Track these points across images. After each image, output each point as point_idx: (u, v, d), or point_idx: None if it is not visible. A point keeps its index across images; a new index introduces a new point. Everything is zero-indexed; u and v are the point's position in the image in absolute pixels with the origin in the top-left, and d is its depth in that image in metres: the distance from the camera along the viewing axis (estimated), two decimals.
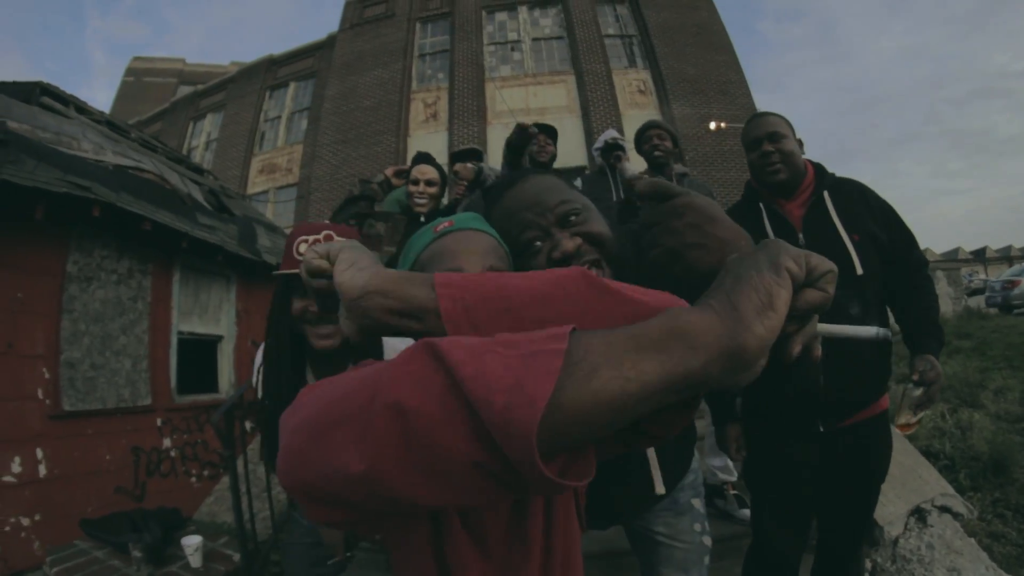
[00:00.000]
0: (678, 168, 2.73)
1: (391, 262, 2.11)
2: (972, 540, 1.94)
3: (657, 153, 2.65)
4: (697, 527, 1.22)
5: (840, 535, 1.57)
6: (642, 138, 2.75)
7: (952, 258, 35.25)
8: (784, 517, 1.52)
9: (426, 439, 0.35)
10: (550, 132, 2.96)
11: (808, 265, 0.41)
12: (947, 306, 11.66)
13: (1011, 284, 12.74)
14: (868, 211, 1.54)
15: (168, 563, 2.09)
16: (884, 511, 1.96)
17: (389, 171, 2.26)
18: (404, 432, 0.36)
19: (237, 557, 2.13)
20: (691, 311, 0.39)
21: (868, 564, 1.88)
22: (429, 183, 2.20)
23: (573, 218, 0.79)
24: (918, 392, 1.44)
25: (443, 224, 0.76)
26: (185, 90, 20.03)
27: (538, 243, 0.79)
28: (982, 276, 28.14)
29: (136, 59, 25.47)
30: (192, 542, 2.09)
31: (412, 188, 2.19)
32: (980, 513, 2.63)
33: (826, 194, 1.53)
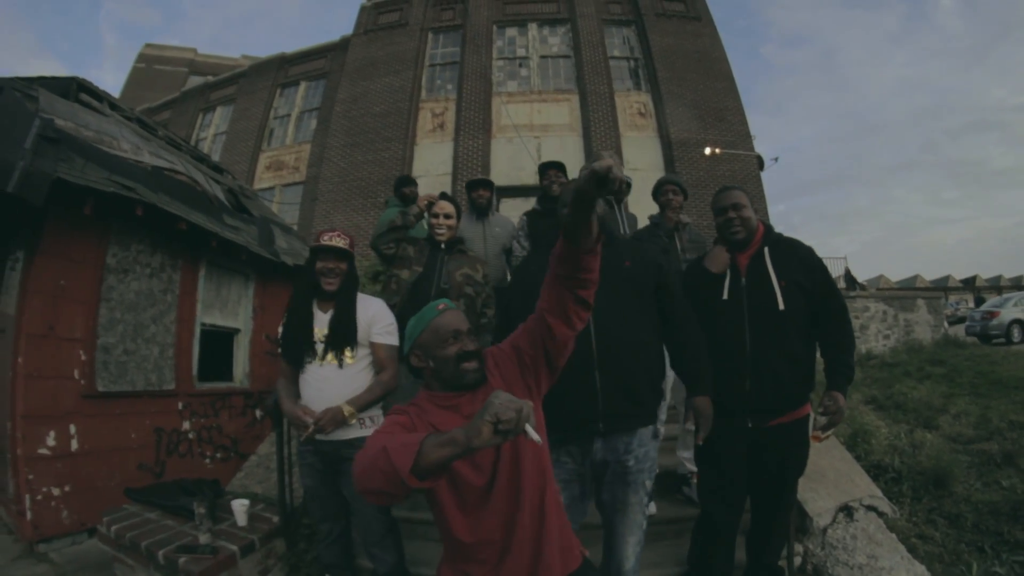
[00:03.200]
0: (683, 218, 3.22)
1: (418, 281, 2.48)
2: (892, 535, 2.30)
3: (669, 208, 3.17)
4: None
5: (765, 512, 2.04)
6: (659, 191, 3.25)
7: (942, 286, 35.81)
8: (720, 495, 1.96)
9: (390, 475, 0.99)
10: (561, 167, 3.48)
11: (495, 416, 0.93)
12: (926, 333, 12.10)
13: (990, 315, 13.17)
14: (798, 264, 2.01)
15: (217, 523, 2.42)
16: (816, 505, 2.34)
17: (421, 202, 2.68)
18: (384, 474, 1.00)
19: (275, 519, 2.46)
20: (460, 429, 0.96)
21: (800, 548, 2.24)
22: (447, 216, 2.67)
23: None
24: (823, 420, 1.92)
25: (440, 306, 1.41)
26: (195, 80, 20.26)
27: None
28: (970, 305, 28.63)
29: (148, 46, 25.67)
30: (244, 503, 2.42)
31: (433, 220, 2.64)
32: (915, 518, 3.00)
33: (767, 249, 2.02)
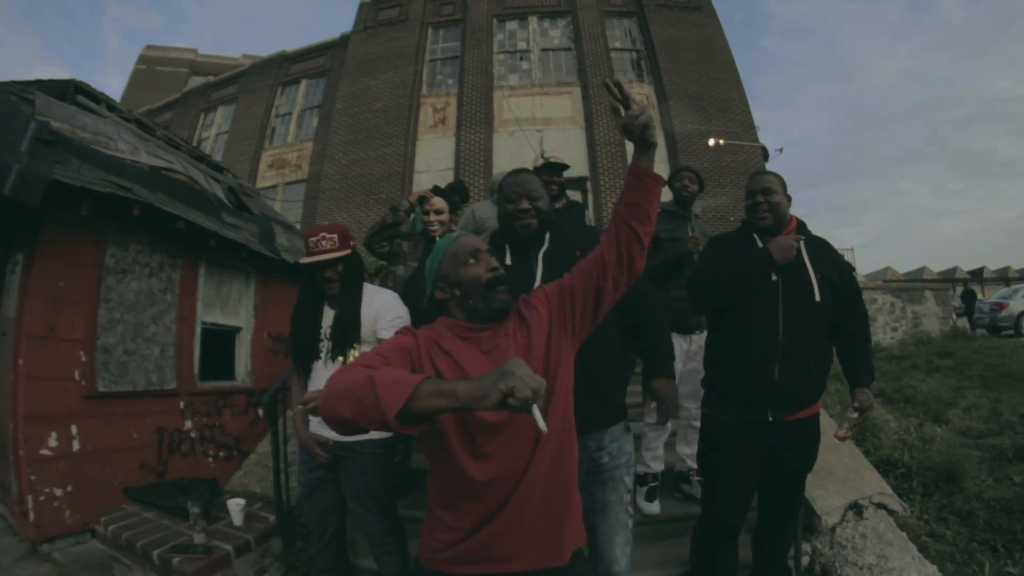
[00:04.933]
0: (696, 208, 3.15)
1: (414, 275, 2.44)
2: (903, 533, 2.25)
3: (685, 193, 3.08)
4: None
5: (776, 510, 1.98)
6: (675, 176, 3.17)
7: (949, 277, 35.35)
8: (731, 494, 1.90)
9: (368, 409, 0.92)
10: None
11: (511, 388, 0.87)
12: (934, 325, 11.98)
13: (999, 306, 13.02)
14: (830, 261, 1.99)
15: (214, 522, 2.40)
16: (824, 503, 2.29)
17: (412, 197, 2.64)
18: (361, 405, 0.93)
19: (272, 518, 2.44)
20: (465, 384, 0.92)
21: (808, 548, 2.19)
22: (438, 212, 2.63)
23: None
24: (855, 416, 1.90)
25: (453, 234, 1.39)
26: (196, 81, 20.26)
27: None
28: (978, 296, 28.14)
29: (148, 47, 25.67)
30: (239, 503, 2.40)
31: (426, 217, 2.60)
32: (925, 516, 2.95)
33: (803, 241, 1.97)
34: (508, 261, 1.80)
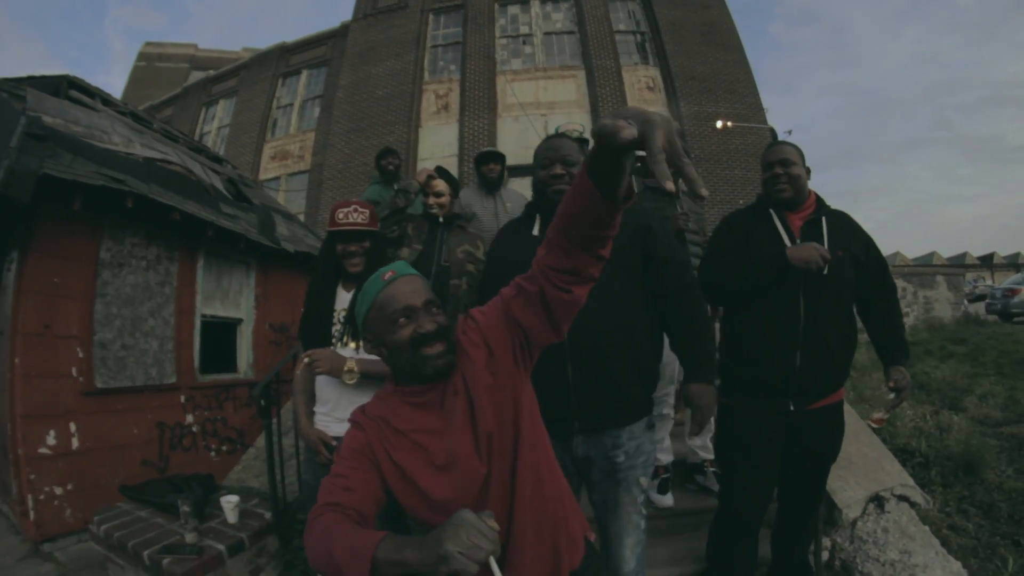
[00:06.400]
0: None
1: (419, 259, 2.36)
2: (926, 528, 2.16)
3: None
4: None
5: (797, 505, 1.89)
6: None
7: (959, 263, 34.99)
8: (750, 488, 1.81)
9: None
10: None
11: (453, 571, 0.77)
12: (946, 311, 11.79)
13: (1011, 292, 12.82)
14: (853, 237, 1.88)
15: (208, 520, 2.34)
16: (844, 496, 2.20)
17: (420, 177, 2.55)
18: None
19: (268, 515, 2.38)
20: (413, 551, 0.81)
21: (828, 543, 2.11)
22: (437, 195, 2.53)
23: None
24: (891, 396, 1.80)
25: (388, 274, 1.09)
26: (197, 75, 20.14)
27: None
28: (988, 282, 27.90)
29: (148, 44, 25.54)
30: (232, 500, 2.34)
31: (427, 200, 2.50)
32: (945, 508, 2.85)
33: (823, 218, 1.87)
34: (536, 232, 1.68)
